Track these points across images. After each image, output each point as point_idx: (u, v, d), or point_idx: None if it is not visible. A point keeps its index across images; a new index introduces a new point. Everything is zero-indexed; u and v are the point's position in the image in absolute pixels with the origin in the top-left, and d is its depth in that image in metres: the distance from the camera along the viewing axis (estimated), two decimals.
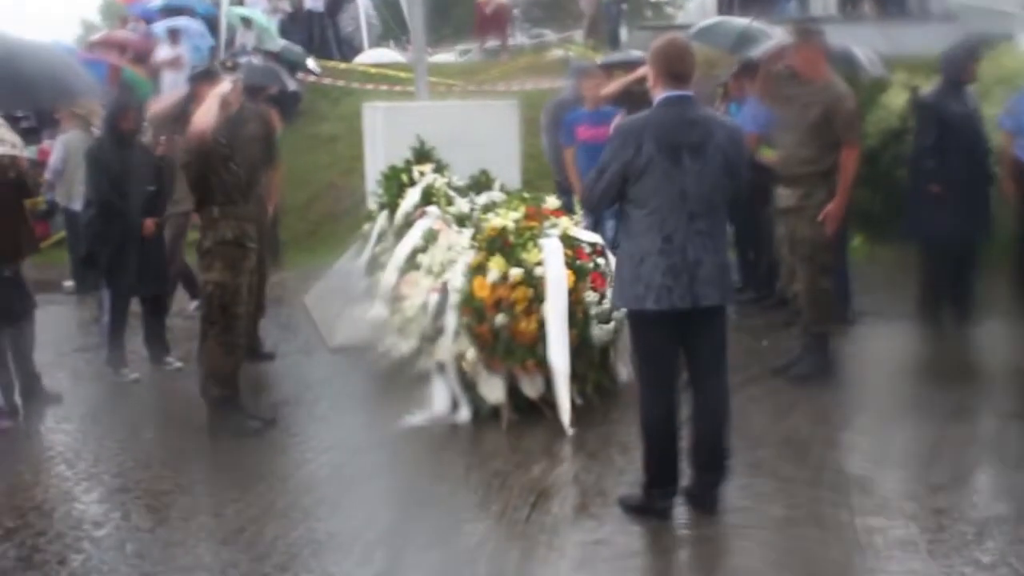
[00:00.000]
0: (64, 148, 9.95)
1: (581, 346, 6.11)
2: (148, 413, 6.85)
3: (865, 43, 10.36)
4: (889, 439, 5.67)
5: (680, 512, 4.71)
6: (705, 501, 4.71)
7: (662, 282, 4.45)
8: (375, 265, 7.49)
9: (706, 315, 4.56)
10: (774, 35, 9.91)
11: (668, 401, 4.63)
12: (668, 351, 4.63)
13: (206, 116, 5.63)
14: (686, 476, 4.73)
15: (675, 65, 4.57)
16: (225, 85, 5.82)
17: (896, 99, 10.42)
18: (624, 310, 5.10)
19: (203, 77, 6.75)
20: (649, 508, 4.70)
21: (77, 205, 9.32)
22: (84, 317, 9.30)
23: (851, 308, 8.13)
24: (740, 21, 11.21)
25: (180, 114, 6.96)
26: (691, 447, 4.70)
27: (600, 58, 12.62)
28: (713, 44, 11.80)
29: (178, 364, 7.48)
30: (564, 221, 6.57)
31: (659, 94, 4.58)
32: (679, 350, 4.65)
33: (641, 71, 8.18)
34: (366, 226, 7.94)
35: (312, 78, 15.69)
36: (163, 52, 14.61)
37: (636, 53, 10.07)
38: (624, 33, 19.08)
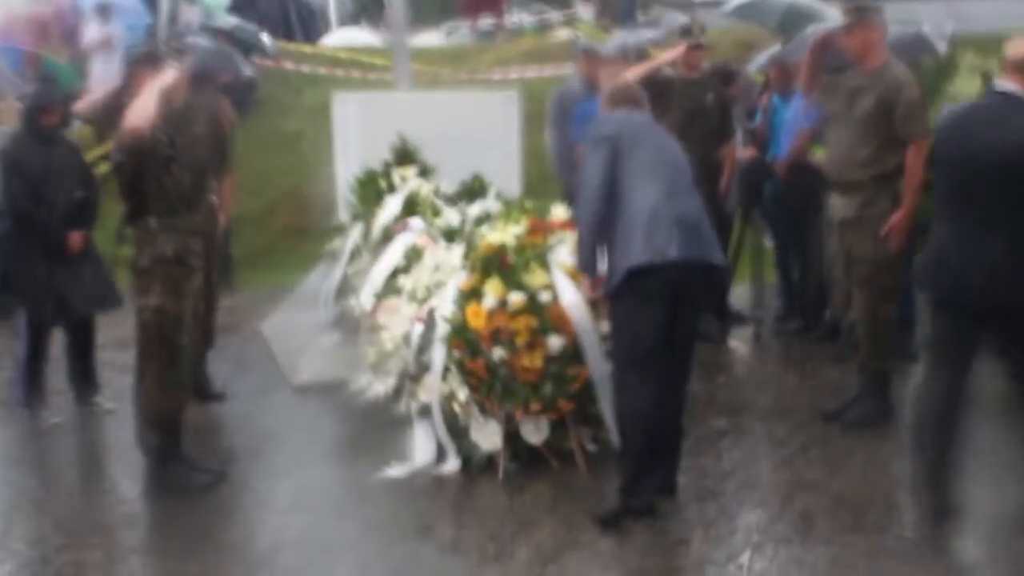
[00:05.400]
0: None
1: (593, 387, 6.08)
2: (72, 466, 6.82)
3: (929, 21, 10.42)
4: (966, 495, 5.62)
5: None
6: (666, 483, 5.47)
7: (680, 233, 5.17)
8: (347, 288, 7.48)
9: (698, 288, 5.34)
10: (824, 12, 9.96)
11: (652, 390, 5.21)
12: (658, 329, 5.20)
13: (143, 110, 5.60)
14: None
15: (628, 96, 5.72)
16: (168, 74, 5.79)
17: (965, 87, 10.45)
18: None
19: (142, 61, 6.71)
20: (627, 511, 5.24)
21: None
22: None
23: (915, 340, 8.11)
24: None
25: (114, 106, 6.93)
26: (658, 432, 5.33)
27: (613, 40, 12.67)
28: (755, 21, 11.85)
29: (109, 405, 7.43)
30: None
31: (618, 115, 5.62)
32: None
33: (672, 53, 8.26)
34: (336, 241, 7.94)
35: (269, 62, 15.71)
36: (92, 32, 14.63)
37: (648, 34, 10.13)
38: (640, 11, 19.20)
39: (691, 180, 5.48)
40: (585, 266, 5.52)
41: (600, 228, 5.29)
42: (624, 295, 5.26)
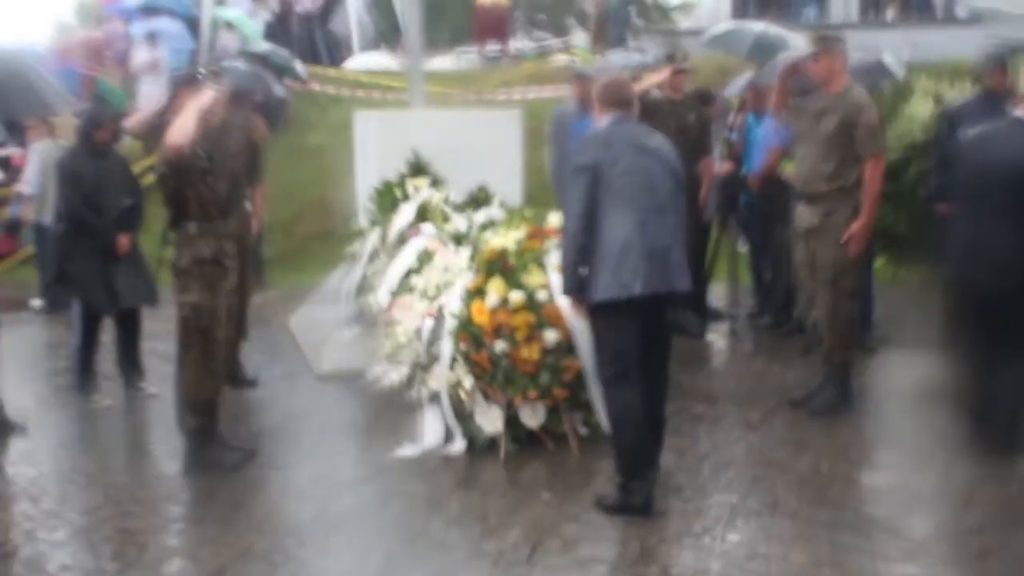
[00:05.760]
0: (40, 159, 9.93)
1: (584, 377, 6.06)
2: (119, 444, 6.81)
3: (888, 49, 10.40)
4: (917, 477, 5.62)
5: (700, 558, 4.66)
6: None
7: (646, 268, 5.01)
8: (366, 287, 7.46)
9: (666, 305, 5.22)
10: (791, 41, 9.95)
11: (635, 394, 5.11)
12: (634, 345, 5.11)
13: (184, 128, 5.59)
14: None
15: (618, 93, 5.37)
16: (207, 95, 5.78)
17: (920, 109, 10.45)
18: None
19: (184, 83, 6.71)
20: (627, 506, 5.10)
21: (47, 219, 9.30)
22: (53, 338, 9.25)
23: (873, 335, 8.09)
24: (755, 26, 11.26)
25: (160, 124, 6.92)
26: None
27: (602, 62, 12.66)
28: (727, 51, 11.85)
29: (153, 390, 7.42)
30: None
31: (606, 117, 5.32)
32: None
33: (658, 76, 8.22)
34: (356, 244, 7.91)
35: (300, 85, 15.68)
36: (141, 56, 14.62)
37: (636, 57, 10.10)
38: (631, 37, 19.13)
39: (670, 194, 5.20)
40: (569, 290, 5.23)
41: (583, 255, 5.08)
42: (598, 315, 5.15)
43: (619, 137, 5.23)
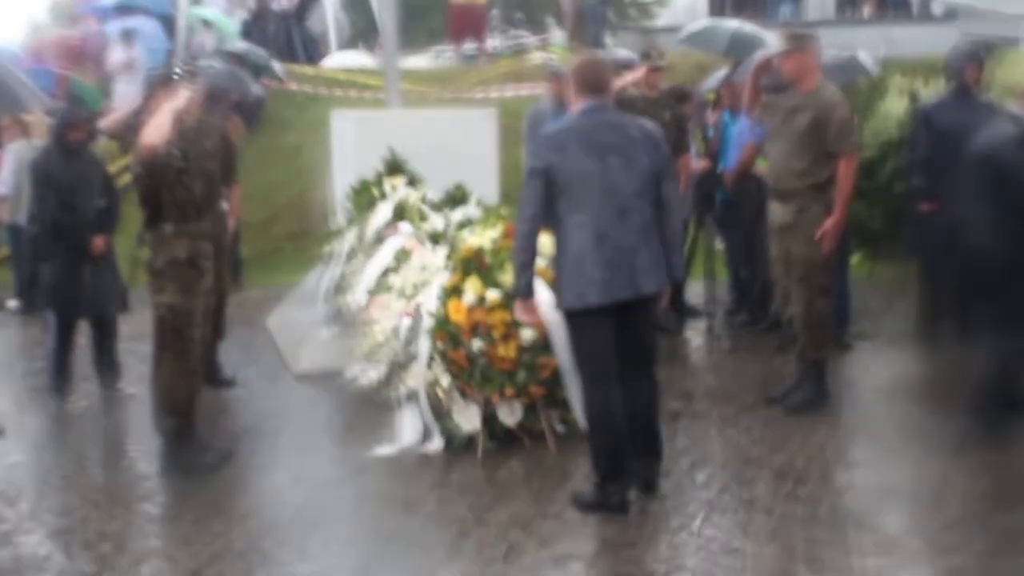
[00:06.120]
0: (15, 160, 9.88)
1: (561, 374, 6.08)
2: (96, 445, 6.78)
3: (864, 46, 10.49)
4: (891, 472, 5.66)
5: (676, 554, 4.70)
6: (647, 482, 5.25)
7: (602, 276, 4.90)
8: (343, 286, 7.46)
9: (643, 305, 5.07)
10: (767, 38, 10.01)
11: (611, 396, 5.05)
12: (608, 346, 5.03)
13: (159, 128, 5.57)
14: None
15: (593, 76, 5.14)
16: (182, 95, 5.77)
17: (895, 105, 10.52)
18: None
19: (160, 83, 6.69)
20: (604, 504, 5.09)
21: (22, 220, 9.27)
22: (29, 339, 9.21)
23: (849, 331, 8.15)
24: (730, 23, 11.36)
25: (135, 123, 6.91)
26: (630, 435, 5.12)
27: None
28: (704, 48, 11.93)
29: (130, 391, 7.41)
30: (546, 239, 6.55)
31: (580, 104, 5.12)
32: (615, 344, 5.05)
33: (632, 75, 8.22)
34: (334, 243, 7.90)
35: (277, 84, 15.65)
36: (116, 55, 14.56)
37: (623, 53, 10.12)
38: (608, 35, 19.19)
39: (635, 193, 4.99)
40: (520, 291, 5.12)
41: (531, 258, 5.01)
42: (568, 320, 5.12)
43: (577, 136, 5.04)
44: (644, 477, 5.24)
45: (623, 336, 5.06)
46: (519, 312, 5.28)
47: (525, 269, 5.07)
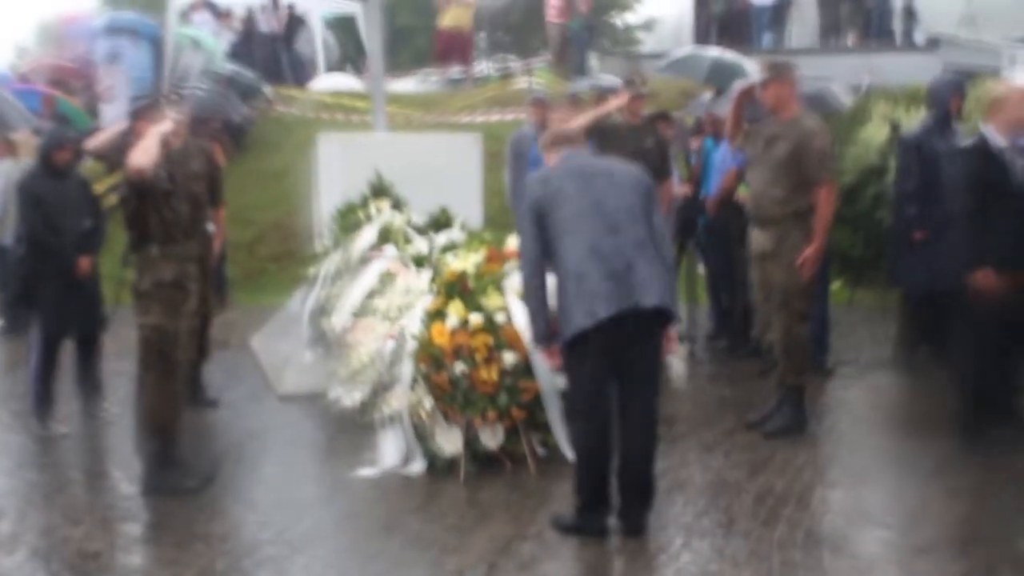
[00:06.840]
0: (2, 180, 9.89)
1: (542, 398, 6.13)
2: (79, 465, 6.78)
3: (847, 74, 10.61)
4: (868, 497, 5.72)
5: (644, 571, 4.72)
6: (631, 523, 5.15)
7: (607, 287, 4.89)
8: (328, 308, 7.49)
9: (644, 331, 5.01)
10: (747, 66, 10.13)
11: (605, 430, 5.05)
12: (604, 383, 5.02)
13: (146, 152, 5.62)
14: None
15: (563, 136, 5.46)
16: (167, 123, 5.82)
17: (876, 133, 10.62)
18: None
19: (145, 111, 6.74)
20: (583, 528, 5.13)
21: (8, 240, 9.27)
22: (12, 359, 9.21)
23: (828, 357, 8.22)
24: (711, 52, 11.55)
25: (122, 144, 6.94)
26: (619, 470, 5.11)
27: (570, 86, 12.80)
28: (685, 76, 12.09)
29: (115, 410, 7.41)
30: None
31: (557, 157, 5.32)
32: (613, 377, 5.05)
33: (615, 102, 8.29)
34: (319, 265, 7.94)
35: (265, 106, 15.72)
36: (103, 77, 14.60)
37: (608, 79, 10.23)
38: (594, 59, 19.32)
39: (626, 211, 5.05)
40: (539, 337, 5.17)
41: (543, 304, 5.05)
42: (569, 353, 5.06)
43: (561, 171, 5.20)
44: (629, 517, 5.15)
45: (623, 366, 5.03)
46: (546, 360, 5.42)
47: (537, 315, 5.10)
